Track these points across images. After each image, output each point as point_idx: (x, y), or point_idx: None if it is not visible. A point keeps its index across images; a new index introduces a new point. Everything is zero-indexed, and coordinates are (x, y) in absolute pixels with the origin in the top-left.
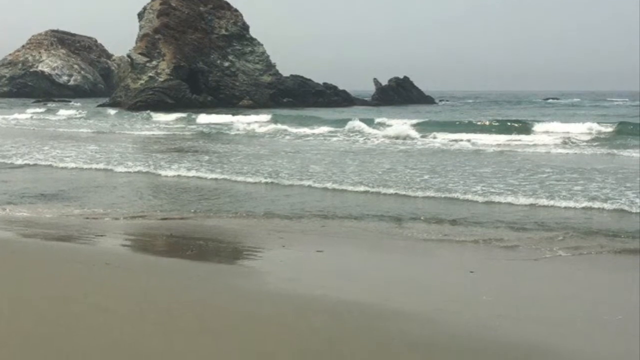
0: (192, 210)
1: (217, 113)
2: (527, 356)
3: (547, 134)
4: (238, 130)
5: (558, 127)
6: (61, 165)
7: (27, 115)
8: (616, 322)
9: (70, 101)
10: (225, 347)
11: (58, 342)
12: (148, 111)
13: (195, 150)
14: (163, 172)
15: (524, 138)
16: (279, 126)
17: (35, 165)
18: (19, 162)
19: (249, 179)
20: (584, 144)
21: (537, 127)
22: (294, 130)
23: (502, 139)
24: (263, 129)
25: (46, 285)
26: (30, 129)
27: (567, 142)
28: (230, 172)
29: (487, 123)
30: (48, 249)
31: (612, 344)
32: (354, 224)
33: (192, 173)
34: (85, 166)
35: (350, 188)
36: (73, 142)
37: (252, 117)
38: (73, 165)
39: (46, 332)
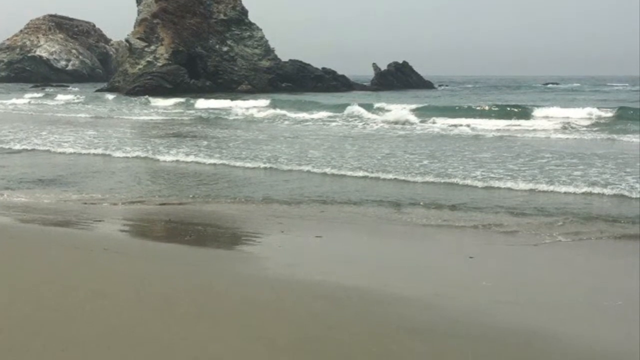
0: (191, 196)
1: (216, 98)
2: (527, 341)
3: (547, 119)
4: (237, 115)
5: (558, 112)
6: (59, 150)
7: (25, 100)
8: (616, 307)
9: (68, 86)
10: (224, 333)
11: (56, 328)
12: (146, 96)
13: (194, 135)
14: (161, 157)
15: (524, 123)
16: (278, 111)
17: (33, 150)
18: (17, 147)
19: (248, 164)
20: (584, 129)
21: (537, 112)
22: (292, 115)
23: (501, 124)
24: (262, 114)
25: (44, 271)
26: (28, 113)
27: (566, 127)
28: (229, 157)
29: (487, 108)
30: (46, 234)
31: (612, 330)
32: (353, 209)
33: (191, 158)
34: (84, 151)
35: (349, 173)
36: (71, 127)
37: (251, 102)
38: (71, 150)
39: (44, 317)
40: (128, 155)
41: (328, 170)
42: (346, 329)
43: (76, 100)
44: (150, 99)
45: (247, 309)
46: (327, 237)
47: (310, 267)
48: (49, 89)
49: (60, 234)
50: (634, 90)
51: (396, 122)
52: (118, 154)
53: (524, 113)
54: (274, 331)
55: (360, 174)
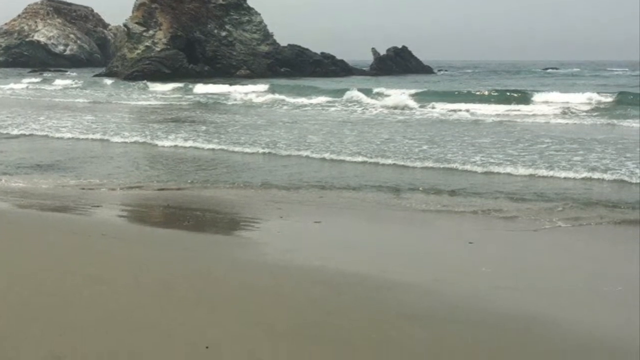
0: (189, 181)
1: (214, 83)
2: (526, 327)
3: (547, 104)
4: (235, 100)
5: (557, 97)
6: (57, 135)
7: (23, 85)
8: (616, 293)
9: (66, 71)
10: (222, 318)
11: (54, 313)
12: (145, 81)
13: (193, 120)
14: (160, 143)
15: (523, 108)
16: (277, 96)
17: (31, 135)
18: (15, 132)
19: (247, 150)
20: (584, 114)
21: (537, 97)
22: (291, 100)
23: (501, 109)
24: (260, 99)
25: (42, 257)
26: (26, 98)
27: (566, 112)
28: (228, 142)
29: (486, 93)
30: (44, 219)
31: (612, 315)
32: (352, 194)
33: (189, 143)
34: (82, 136)
35: (348, 158)
36: (69, 112)
37: (250, 87)
38: (69, 135)
39: (42, 302)
40: (126, 140)
41: (327, 155)
42: (345, 314)
43: (74, 85)
44: (149, 83)
45: (246, 295)
46: (326, 222)
47: (309, 252)
48: (46, 74)
49: (58, 220)
50: (634, 75)
51: (395, 107)
52: (116, 139)
53: (524, 98)
54: (272, 317)
55: (359, 159)
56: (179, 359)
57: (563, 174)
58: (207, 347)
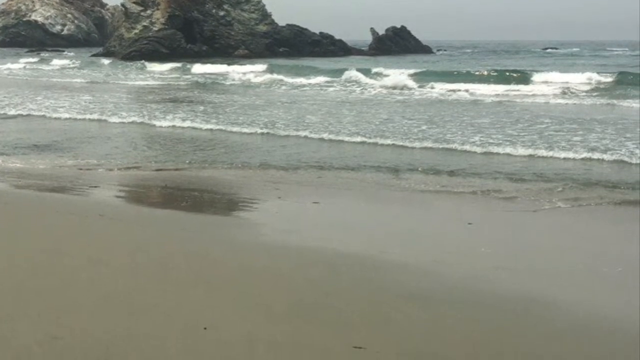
0: (187, 161)
1: (213, 63)
2: (526, 308)
3: (546, 84)
4: (233, 80)
5: (557, 77)
6: (54, 115)
7: (20, 65)
8: (616, 274)
9: (63, 51)
10: (220, 299)
11: (52, 295)
12: (142, 61)
13: (190, 100)
14: (157, 123)
15: (523, 88)
16: (275, 76)
17: (28, 115)
18: (12, 112)
19: (245, 130)
20: (584, 94)
21: (536, 77)
22: (290, 80)
23: (500, 89)
24: (259, 79)
25: (39, 237)
26: (23, 78)
27: (566, 92)
28: (226, 122)
29: (486, 73)
30: (41, 200)
31: (612, 296)
32: (351, 175)
33: (187, 124)
34: (79, 116)
35: (347, 139)
36: (66, 92)
37: (248, 67)
38: (67, 115)
39: (39, 284)
40: (124, 120)
41: (325, 135)
42: (344, 295)
43: (72, 65)
44: (146, 63)
45: (244, 275)
46: (325, 203)
47: (308, 233)
48: (44, 54)
49: (56, 200)
50: (633, 55)
51: (394, 87)
52: (114, 119)
53: (523, 78)
54: (270, 297)
55: (358, 139)
56: (176, 340)
57: (563, 155)
58: (205, 328)
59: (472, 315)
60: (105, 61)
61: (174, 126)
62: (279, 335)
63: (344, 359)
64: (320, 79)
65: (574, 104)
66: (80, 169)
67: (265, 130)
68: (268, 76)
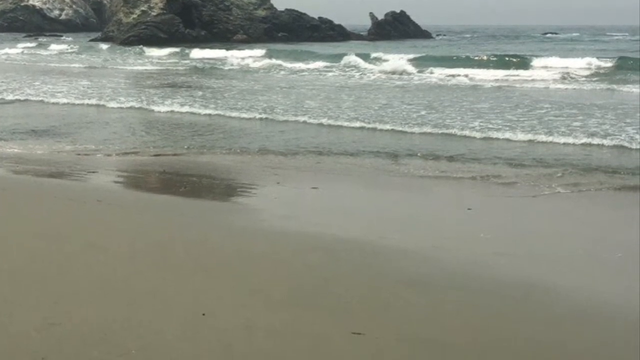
0: (186, 147)
1: (211, 48)
2: (525, 294)
3: (546, 69)
4: (232, 65)
5: (557, 62)
6: (52, 100)
7: (18, 49)
8: (616, 259)
9: (61, 36)
10: (218, 285)
11: (49, 280)
12: (141, 46)
13: (189, 85)
14: (156, 108)
15: (522, 73)
16: (274, 61)
17: (26, 100)
18: (10, 97)
19: (244, 115)
20: (583, 79)
21: (536, 62)
22: (288, 65)
23: (500, 74)
24: (257, 64)
25: (38, 223)
26: (21, 63)
27: (566, 77)
28: (225, 108)
29: (485, 58)
30: (39, 185)
31: (611, 282)
32: (350, 160)
33: (186, 109)
34: (77, 102)
35: (345, 124)
36: (64, 77)
37: (247, 52)
38: (64, 100)
39: (37, 270)
40: (122, 105)
41: (324, 120)
42: (343, 281)
43: (70, 50)
44: (145, 48)
45: (243, 261)
46: (324, 188)
47: (307, 219)
48: (42, 39)
49: (54, 186)
50: (633, 40)
51: (394, 72)
52: (112, 104)
53: (523, 63)
54: (269, 283)
55: (357, 124)
56: (175, 326)
57: (562, 140)
58: (203, 314)
59: (472, 300)
60: (104, 46)
61: (172, 111)
62: (278, 322)
63: (343, 345)
64: (319, 64)
65: (574, 89)
66: (79, 154)
67: (264, 116)
68: (267, 61)
